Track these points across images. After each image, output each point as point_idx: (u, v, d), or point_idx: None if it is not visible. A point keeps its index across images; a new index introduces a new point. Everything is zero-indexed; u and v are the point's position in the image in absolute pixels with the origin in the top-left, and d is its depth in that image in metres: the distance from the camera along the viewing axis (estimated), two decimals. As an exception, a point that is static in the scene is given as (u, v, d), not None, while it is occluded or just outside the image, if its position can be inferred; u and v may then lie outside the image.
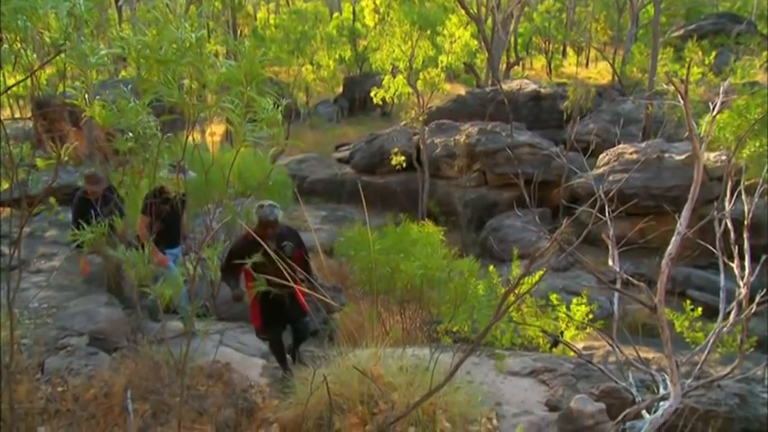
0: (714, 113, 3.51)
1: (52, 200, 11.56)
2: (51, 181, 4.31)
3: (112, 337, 6.76)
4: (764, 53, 25.14)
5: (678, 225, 3.24)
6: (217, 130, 25.58)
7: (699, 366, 3.93)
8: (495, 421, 4.44)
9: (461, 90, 30.37)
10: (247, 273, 5.66)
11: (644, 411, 4.03)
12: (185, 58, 3.37)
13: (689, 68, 4.07)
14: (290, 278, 5.20)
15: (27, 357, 5.99)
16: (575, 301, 8.91)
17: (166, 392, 5.30)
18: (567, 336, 8.57)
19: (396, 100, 20.26)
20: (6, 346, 4.35)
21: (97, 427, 4.80)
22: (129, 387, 5.32)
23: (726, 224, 4.20)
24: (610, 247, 3.99)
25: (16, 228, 4.01)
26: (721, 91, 4.17)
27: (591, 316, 8.76)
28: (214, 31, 35.57)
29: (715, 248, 4.62)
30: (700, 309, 8.74)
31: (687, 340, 8.55)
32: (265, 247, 5.08)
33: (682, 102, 3.16)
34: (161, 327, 6.03)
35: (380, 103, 21.15)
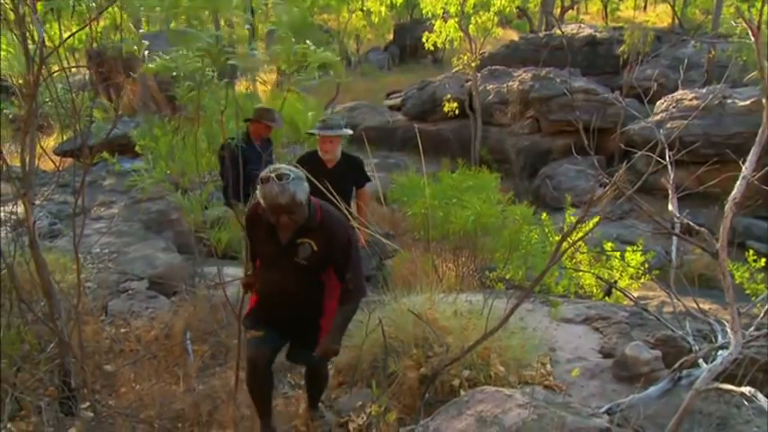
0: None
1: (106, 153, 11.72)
2: (111, 129, 4.41)
3: (171, 281, 6.96)
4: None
5: (744, 169, 3.13)
6: (268, 78, 25.62)
7: (761, 317, 3.85)
8: (548, 366, 4.46)
9: (514, 36, 29.67)
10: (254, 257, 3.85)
11: (701, 360, 3.98)
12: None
13: (764, 3, 3.85)
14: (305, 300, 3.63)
15: (92, 300, 6.24)
16: (629, 249, 8.77)
17: (224, 334, 5.47)
18: (621, 285, 8.46)
19: (447, 46, 19.94)
20: (74, 289, 4.52)
21: (159, 366, 4.98)
22: (188, 329, 5.50)
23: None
24: (670, 193, 3.90)
25: (77, 177, 4.13)
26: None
27: (647, 265, 8.62)
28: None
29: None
30: (763, 260, 8.50)
31: (747, 292, 8.35)
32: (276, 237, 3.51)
33: (753, 39, 3.01)
34: (218, 271, 6.16)
35: (432, 49, 20.86)
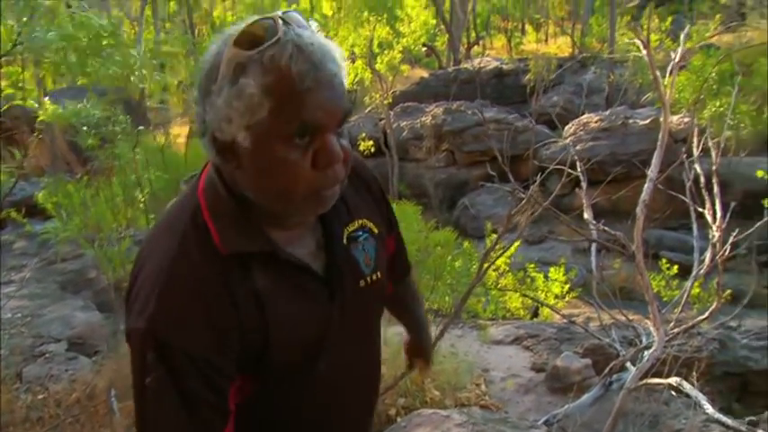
0: (676, 61, 3.55)
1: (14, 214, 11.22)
2: (11, 187, 4.24)
3: (91, 340, 6.67)
4: (717, 16, 25.57)
5: (649, 173, 3.28)
6: (181, 131, 25.25)
7: (679, 311, 4.00)
8: (483, 387, 4.48)
9: (424, 73, 30.35)
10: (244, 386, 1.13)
11: (628, 364, 4.09)
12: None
13: (650, 25, 4.11)
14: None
15: (4, 368, 5.90)
16: (552, 269, 8.99)
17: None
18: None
19: (357, 87, 20.21)
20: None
21: (83, 429, 4.73)
22: (113, 387, 5.26)
23: (695, 171, 4.26)
24: (584, 202, 4.03)
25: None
26: (680, 47, 4.19)
27: (568, 285, 8.86)
28: (171, 31, 35.17)
29: (685, 201, 4.68)
30: (675, 267, 8.87)
31: (664, 299, 8.67)
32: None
33: (644, 51, 3.18)
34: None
35: (343, 90, 21.03)
